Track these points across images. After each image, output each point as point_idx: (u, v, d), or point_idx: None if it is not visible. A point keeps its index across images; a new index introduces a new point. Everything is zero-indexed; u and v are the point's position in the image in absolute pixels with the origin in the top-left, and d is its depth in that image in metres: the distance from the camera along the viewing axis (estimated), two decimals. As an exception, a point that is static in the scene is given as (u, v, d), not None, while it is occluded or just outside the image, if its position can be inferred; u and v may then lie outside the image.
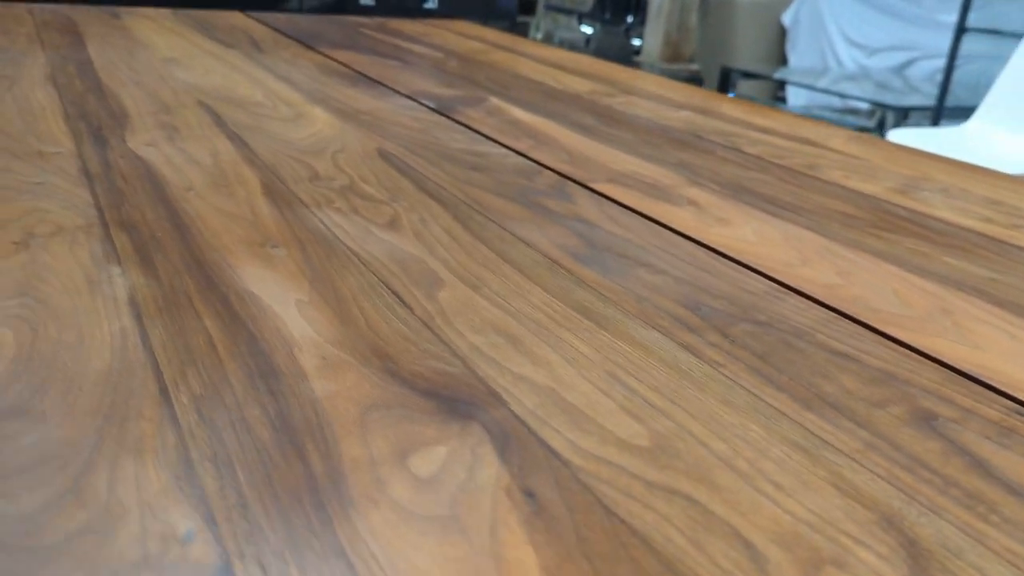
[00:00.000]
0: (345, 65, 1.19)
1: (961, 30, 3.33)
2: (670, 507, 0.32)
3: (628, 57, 4.82)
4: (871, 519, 0.32)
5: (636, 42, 5.42)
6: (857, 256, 0.59)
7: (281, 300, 0.45)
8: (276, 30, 1.47)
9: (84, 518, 0.29)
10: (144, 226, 0.54)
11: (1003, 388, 0.42)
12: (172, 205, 0.58)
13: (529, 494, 0.31)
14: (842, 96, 3.96)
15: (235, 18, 1.58)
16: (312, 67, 1.15)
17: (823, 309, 0.50)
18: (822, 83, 4.12)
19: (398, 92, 1.03)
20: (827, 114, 4.25)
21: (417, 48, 1.41)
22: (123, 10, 1.53)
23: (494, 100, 1.04)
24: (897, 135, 2.45)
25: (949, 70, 3.24)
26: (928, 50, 4.70)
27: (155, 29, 1.35)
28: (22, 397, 0.35)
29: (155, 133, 0.75)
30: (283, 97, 0.95)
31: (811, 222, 0.66)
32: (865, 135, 0.99)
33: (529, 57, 1.41)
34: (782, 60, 5.62)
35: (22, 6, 1.45)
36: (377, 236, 0.56)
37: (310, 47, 1.32)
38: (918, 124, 3.79)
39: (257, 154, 0.72)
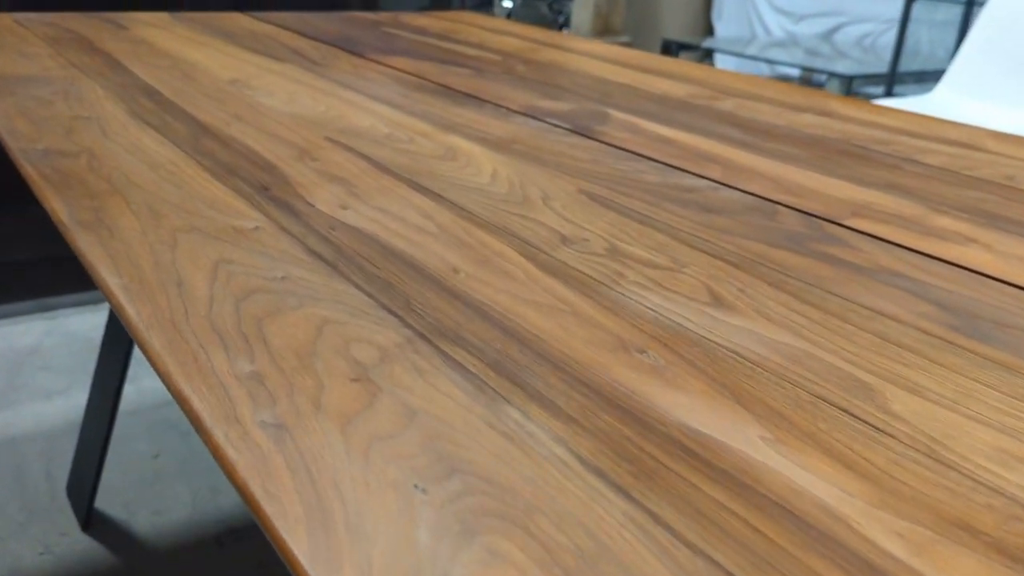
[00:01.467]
0: (420, 77, 1.07)
1: (913, -5, 3.38)
2: None
3: (552, 29, 4.74)
4: None
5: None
6: None
7: (742, 438, 0.37)
8: (302, 34, 1.33)
9: None
10: (470, 334, 0.44)
11: None
12: (464, 298, 0.48)
13: None
14: (775, 63, 3.98)
15: (241, 20, 1.43)
16: (390, 82, 1.03)
17: None
18: (758, 52, 4.14)
19: (511, 109, 0.93)
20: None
21: (465, 50, 1.29)
22: (119, 17, 1.35)
23: (614, 113, 0.95)
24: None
25: (902, 35, 3.29)
26: (854, 15, 4.80)
27: (175, 39, 1.20)
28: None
29: (331, 190, 0.64)
30: (407, 126, 0.84)
31: (1102, 254, 0.61)
32: (1010, 134, 0.95)
33: (579, 53, 1.32)
34: (708, 30, 5.65)
35: (6, 17, 1.26)
36: (724, 321, 0.47)
37: (359, 55, 1.20)
38: (860, 91, 3.86)
39: (469, 211, 0.62)
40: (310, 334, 0.43)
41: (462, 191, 0.66)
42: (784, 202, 0.68)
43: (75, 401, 1.66)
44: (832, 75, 3.52)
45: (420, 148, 0.76)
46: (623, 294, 0.50)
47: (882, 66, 3.66)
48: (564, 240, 0.57)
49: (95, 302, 2.08)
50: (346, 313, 0.45)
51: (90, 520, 1.35)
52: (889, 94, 3.35)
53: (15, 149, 0.67)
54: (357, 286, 0.48)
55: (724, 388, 0.41)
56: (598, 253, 0.55)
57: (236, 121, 0.80)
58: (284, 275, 0.49)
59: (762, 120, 0.96)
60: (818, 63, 3.89)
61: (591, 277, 0.52)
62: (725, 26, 5.45)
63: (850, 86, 3.51)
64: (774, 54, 4.17)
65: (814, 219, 0.65)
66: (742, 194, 0.69)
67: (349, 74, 1.06)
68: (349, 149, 0.74)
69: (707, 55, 5.14)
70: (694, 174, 0.74)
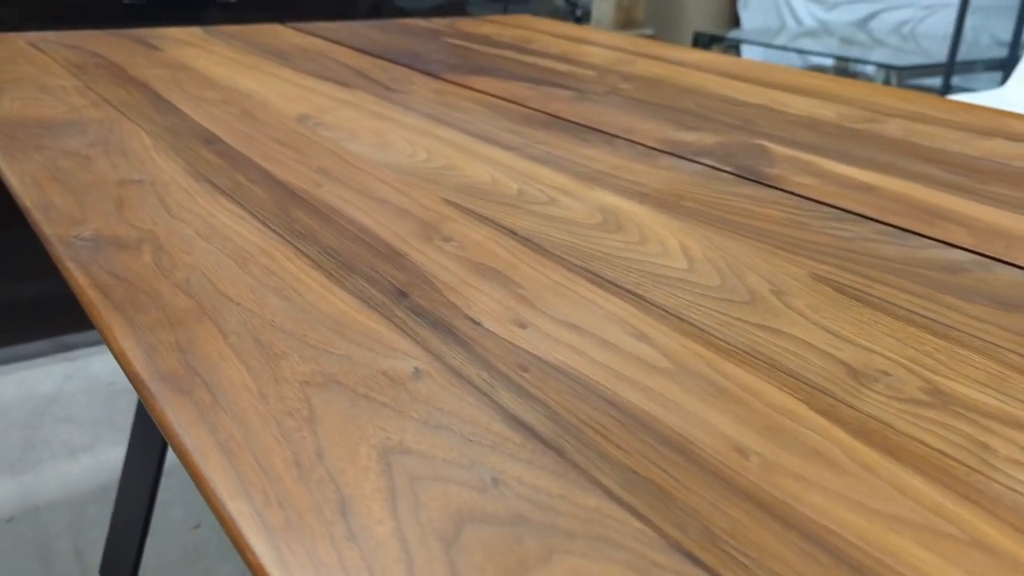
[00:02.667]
0: (518, 103, 0.90)
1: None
2: None
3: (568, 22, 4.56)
4: None
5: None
6: None
7: None
8: (359, 50, 1.16)
9: None
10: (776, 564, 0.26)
11: None
12: (787, 517, 0.30)
13: None
14: (807, 53, 3.78)
15: (285, 33, 1.25)
16: (486, 112, 0.86)
17: None
18: (788, 42, 3.95)
19: (649, 147, 0.76)
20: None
21: (552, 64, 1.12)
22: (148, 35, 1.18)
23: (771, 146, 0.77)
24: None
25: (961, 21, 3.09)
26: (891, 1, 4.59)
27: (218, 61, 1.02)
28: None
29: (491, 292, 0.46)
30: (537, 178, 0.66)
31: None
32: None
33: (678, 63, 1.14)
34: (733, 20, 5.45)
35: (19, 38, 1.09)
36: None
37: (434, 75, 1.02)
38: (909, 83, 3.67)
39: (691, 322, 0.44)
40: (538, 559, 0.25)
41: (661, 286, 0.48)
42: (1084, 285, 0.51)
43: (101, 458, 1.49)
44: (881, 66, 3.33)
45: (569, 213, 0.59)
46: (1016, 490, 0.32)
47: (925, 55, 3.46)
48: (854, 375, 0.40)
49: (118, 338, 1.91)
50: (627, 566, 0.28)
51: (130, 612, 1.18)
52: (947, 88, 3.15)
53: (54, 238, 0.50)
54: (614, 496, 0.31)
55: None
56: (918, 399, 0.38)
57: (325, 179, 0.63)
58: (493, 475, 0.32)
59: (951, 151, 0.78)
60: (855, 52, 3.71)
61: (944, 454, 0.34)
62: (751, 16, 5.26)
63: (900, 78, 3.32)
64: (806, 44, 3.98)
65: None
66: (1008, 267, 0.52)
67: (433, 102, 0.88)
68: (482, 218, 0.57)
69: (733, 47, 4.95)
70: (938, 240, 0.56)
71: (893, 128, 0.85)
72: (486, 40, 1.28)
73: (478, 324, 0.43)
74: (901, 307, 0.47)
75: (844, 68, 4.40)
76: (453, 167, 0.68)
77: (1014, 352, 0.42)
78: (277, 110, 0.82)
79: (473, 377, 0.38)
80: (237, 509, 0.29)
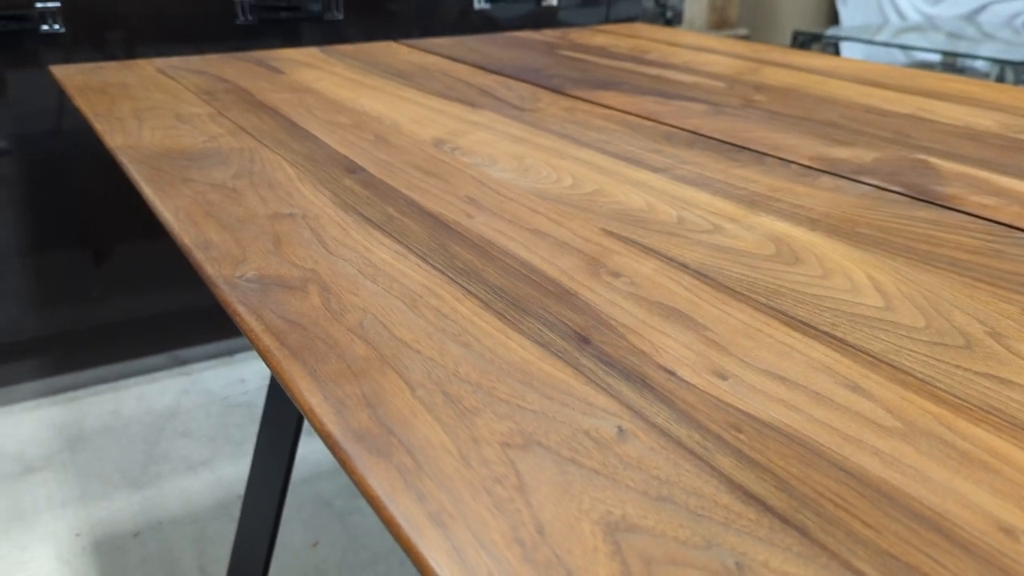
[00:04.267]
0: (653, 119, 0.86)
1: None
2: None
3: (659, 24, 4.49)
4: None
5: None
6: None
7: None
8: (477, 66, 1.14)
9: None
10: None
11: None
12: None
13: None
14: (912, 49, 3.62)
15: (400, 51, 1.25)
16: (623, 130, 0.83)
17: None
18: (891, 38, 3.79)
19: (805, 166, 0.71)
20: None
21: (677, 76, 1.08)
22: (267, 57, 1.19)
23: (937, 162, 0.72)
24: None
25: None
26: (1002, -9, 4.36)
27: (340, 83, 1.02)
28: None
29: (679, 337, 0.43)
30: (695, 203, 0.63)
31: None
32: None
33: (806, 70, 1.09)
34: (831, 18, 5.28)
35: (147, 64, 1.11)
36: None
37: (560, 91, 0.99)
38: (1022, 79, 3.48)
39: (906, 371, 0.40)
40: None
41: (860, 327, 0.44)
42: None
43: (220, 473, 1.52)
44: (996, 62, 3.16)
45: (738, 242, 0.55)
46: None
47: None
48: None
49: (227, 353, 1.95)
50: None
51: (255, 630, 1.19)
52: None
53: (219, 279, 0.49)
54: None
55: None
56: None
57: (476, 210, 0.61)
58: (736, 559, 0.29)
59: None
60: (963, 47, 3.53)
61: None
62: (851, 13, 5.08)
63: (1017, 74, 3.14)
64: (912, 39, 3.82)
65: None
66: None
67: (566, 121, 0.86)
68: (646, 250, 0.54)
69: (832, 45, 4.79)
70: (966, 212, 0.51)
71: (1066, 138, 0.79)
72: (603, 52, 1.25)
73: (673, 374, 0.40)
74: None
75: (952, 64, 4.21)
76: (603, 192, 0.65)
77: None
78: (411, 134, 0.80)
79: (684, 439, 0.35)
80: (465, 596, 0.27)
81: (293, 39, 1.73)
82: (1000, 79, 3.34)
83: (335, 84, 1.02)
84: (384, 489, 0.32)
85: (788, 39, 4.18)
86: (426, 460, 0.34)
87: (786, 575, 0.28)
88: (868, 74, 1.07)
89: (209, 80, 1.04)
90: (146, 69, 1.10)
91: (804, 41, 4.07)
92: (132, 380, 1.83)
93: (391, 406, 0.37)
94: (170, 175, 0.68)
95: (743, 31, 4.91)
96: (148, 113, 0.87)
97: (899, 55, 4.37)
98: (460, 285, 0.49)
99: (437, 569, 0.28)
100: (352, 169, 0.70)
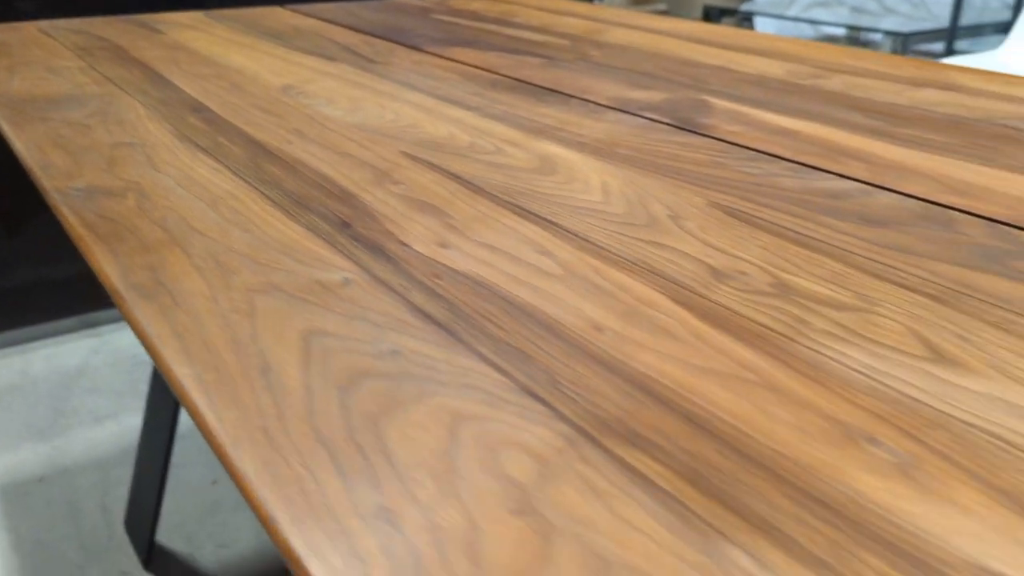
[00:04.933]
0: (490, 71, 0.97)
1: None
2: None
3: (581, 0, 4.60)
4: None
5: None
6: None
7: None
8: (351, 28, 1.23)
9: None
10: (645, 428, 0.34)
11: None
12: (620, 369, 0.38)
13: None
14: (819, 23, 3.80)
15: (283, 15, 1.33)
16: (458, 79, 0.93)
17: None
18: (800, 12, 3.96)
19: (600, 104, 0.82)
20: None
21: (530, 35, 1.18)
22: (152, 19, 1.26)
23: (714, 101, 0.84)
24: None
25: (965, -10, 3.09)
26: (903, -32, 4.56)
27: (215, 42, 1.10)
28: None
29: (424, 222, 0.54)
30: (490, 132, 0.73)
31: None
32: None
33: (652, 31, 1.20)
34: (747, -8, 5.43)
35: (31, 26, 1.18)
36: (960, 386, 0.37)
37: (417, 48, 1.09)
38: (916, 48, 3.67)
39: (591, 241, 0.51)
40: (442, 438, 0.33)
41: (574, 214, 0.55)
42: (955, 205, 0.57)
43: (126, 425, 1.59)
44: (888, 33, 3.34)
45: (511, 160, 0.66)
46: (816, 351, 0.39)
47: (935, 21, 3.47)
48: (716, 275, 0.47)
49: (142, 315, 2.01)
50: (481, 402, 0.35)
51: (151, 557, 1.28)
52: (950, 51, 3.16)
53: (52, 190, 0.58)
54: (485, 359, 0.38)
55: (1005, 496, 0.30)
56: (764, 291, 0.45)
57: (297, 138, 0.70)
58: (393, 348, 0.39)
59: (881, 100, 0.84)
60: (865, 21, 3.72)
61: (768, 328, 0.41)
62: (765, -12, 5.24)
63: (906, 44, 3.33)
64: (818, 14, 4.00)
65: (1001, 227, 0.53)
66: (902, 197, 0.58)
67: (411, 72, 0.96)
68: (432, 166, 0.64)
69: (746, 19, 4.95)
70: (835, 174, 0.63)
71: (835, 83, 0.91)
72: (473, 16, 1.35)
73: (406, 246, 0.50)
74: (779, 225, 0.54)
75: (856, 37, 4.40)
76: (416, 125, 0.75)
77: (863, 256, 0.49)
78: (265, 83, 0.89)
79: (393, 284, 0.46)
80: (183, 374, 0.37)
81: (200, 7, 1.79)
82: (894, 50, 3.52)
83: (210, 43, 1.11)
84: (145, 317, 0.42)
85: (702, 13, 4.32)
86: (184, 300, 0.43)
87: (422, 354, 0.39)
88: (701, 33, 1.19)
89: (88, 39, 1.11)
90: (29, 30, 1.17)
91: (715, 15, 4.22)
92: (41, 343, 1.88)
93: (169, 270, 0.47)
94: (30, 115, 0.76)
95: (661, 6, 5.05)
96: (22, 67, 0.94)
97: (808, 29, 4.55)
98: (260, 191, 0.59)
99: (169, 362, 0.38)
100: (199, 109, 0.79)
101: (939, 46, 3.50)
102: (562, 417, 0.34)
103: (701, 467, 0.32)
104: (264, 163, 0.64)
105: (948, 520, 0.29)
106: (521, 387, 0.36)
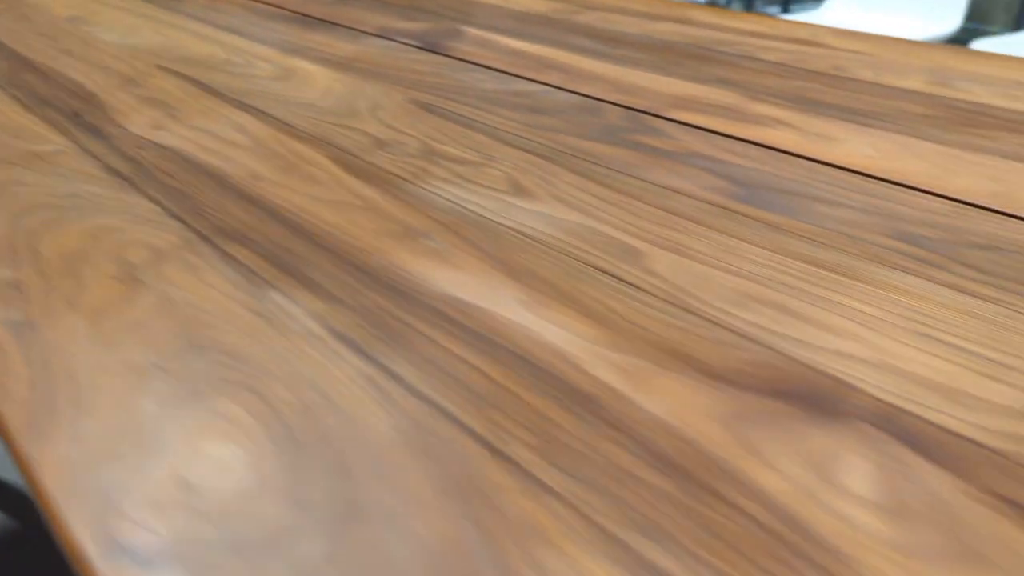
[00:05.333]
0: (278, 6, 1.05)
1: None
2: None
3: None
4: None
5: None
6: (986, 159, 0.57)
7: (501, 302, 0.38)
8: (161, -27, 1.29)
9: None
10: (256, 234, 0.44)
11: None
12: (260, 202, 0.48)
13: (1012, 503, 0.27)
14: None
15: (100, -37, 1.37)
16: (244, 12, 1.01)
17: (1017, 221, 0.47)
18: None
19: (364, 32, 0.92)
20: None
21: (332, -21, 1.26)
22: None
23: (469, 30, 0.94)
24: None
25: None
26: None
27: (21, -16, 1.14)
28: (301, 498, 0.27)
29: (150, 114, 0.63)
30: (249, 51, 0.82)
31: (907, 127, 0.63)
32: (851, 31, 0.97)
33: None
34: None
35: None
36: (519, 207, 0.48)
37: (218, -11, 1.16)
38: (760, 10, 3.88)
39: (291, 124, 0.61)
40: (84, 242, 0.42)
41: (287, 106, 0.65)
42: (613, 100, 0.69)
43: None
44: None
45: (258, 71, 0.75)
46: (426, 189, 0.50)
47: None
48: (380, 145, 0.57)
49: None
50: (129, 221, 0.45)
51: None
52: (785, 10, 3.38)
53: None
54: (150, 197, 0.48)
55: (499, 263, 0.41)
56: (411, 154, 0.56)
57: (65, 56, 0.78)
58: (74, 192, 0.48)
59: (617, 30, 0.96)
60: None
61: (397, 176, 0.52)
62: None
63: (751, 5, 3.54)
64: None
65: (637, 113, 0.66)
66: (574, 96, 0.70)
67: (204, 7, 1.03)
68: (181, 76, 0.73)
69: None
70: (533, 80, 0.74)
71: (588, 17, 1.03)
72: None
73: (124, 128, 0.59)
74: (458, 114, 0.64)
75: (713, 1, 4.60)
76: (183, 46, 0.83)
77: (511, 133, 0.60)
78: (54, 14, 0.95)
79: (97, 152, 0.54)
80: None
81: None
82: (749, 9, 3.72)
83: (16, -16, 1.15)
84: None
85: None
86: (-93, 164, 0.51)
87: (97, 194, 0.48)
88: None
89: None
90: None
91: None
92: None
93: (-98, 145, 0.54)
94: None
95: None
96: None
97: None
98: (9, 94, 0.66)
99: None
100: (-20, 35, 0.85)
101: (776, 9, 3.72)
102: (191, 228, 0.44)
103: (283, 253, 0.42)
104: (24, 73, 0.71)
105: (446, 274, 0.40)
106: (169, 213, 0.46)
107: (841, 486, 0.27)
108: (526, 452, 0.28)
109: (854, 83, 0.75)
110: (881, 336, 0.36)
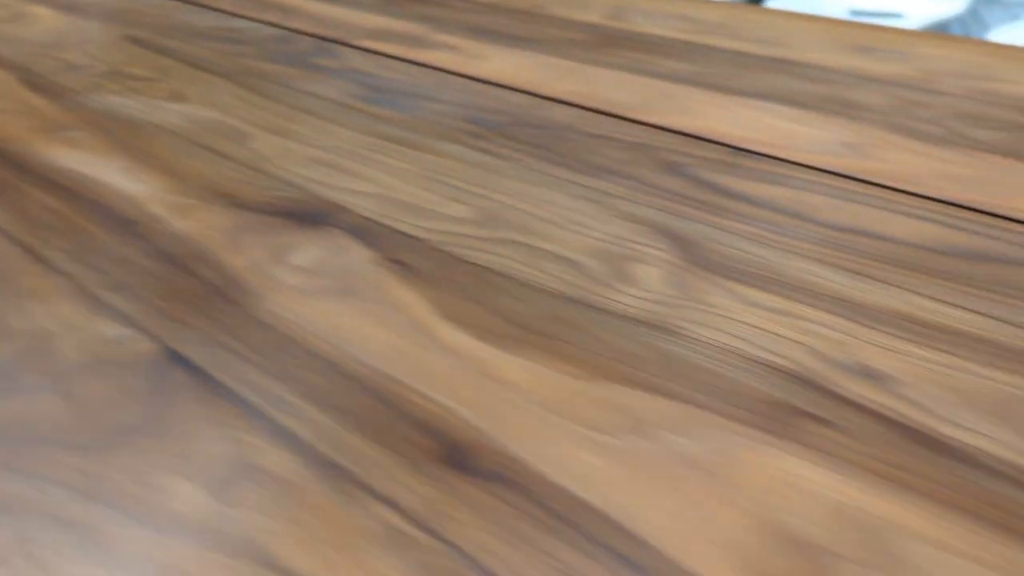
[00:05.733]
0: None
1: None
2: (507, 250, 0.40)
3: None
4: (651, 232, 0.42)
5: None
6: (596, 69, 0.69)
7: (105, 171, 0.47)
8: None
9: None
10: (-84, 130, 0.52)
11: (720, 139, 0.54)
12: (-66, 109, 0.56)
13: (398, 262, 0.39)
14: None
15: None
16: (6, -32, 1.06)
17: (579, 109, 0.60)
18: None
19: (117, -17, 0.99)
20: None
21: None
22: None
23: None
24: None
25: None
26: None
27: None
28: None
29: None
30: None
31: (553, 49, 0.75)
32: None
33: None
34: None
35: None
36: (168, 108, 0.58)
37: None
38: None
39: (1, 56, 0.69)
40: None
41: (7, 43, 0.72)
42: (312, 32, 0.79)
43: None
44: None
45: (26, 31, 0.82)
46: (92, 98, 0.59)
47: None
48: (73, 68, 0.66)
49: None
50: None
51: None
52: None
53: None
54: None
55: (122, 144, 0.51)
56: (96, 75, 0.64)
57: None
58: None
59: (362, -21, 1.06)
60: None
61: (71, 89, 0.61)
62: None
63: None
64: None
65: (326, 42, 0.76)
66: (279, 29, 0.80)
67: (-35, -36, 1.07)
68: (-88, 20, 0.79)
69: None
70: (250, 19, 0.83)
71: (341, -32, 1.12)
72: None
73: None
74: (163, 46, 0.73)
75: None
76: (-72, -2, 0.88)
77: (201, 58, 0.70)
78: None
79: None
80: None
81: None
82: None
83: None
84: None
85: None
86: None
87: None
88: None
89: None
90: None
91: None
92: None
93: None
94: None
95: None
96: None
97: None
98: None
99: None
100: None
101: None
102: None
103: (-62, 144, 0.50)
104: None
105: (72, 154, 0.49)
106: None
107: (286, 262, 0.38)
108: (57, 253, 0.38)
109: (543, 18, 0.88)
110: (406, 183, 0.47)
